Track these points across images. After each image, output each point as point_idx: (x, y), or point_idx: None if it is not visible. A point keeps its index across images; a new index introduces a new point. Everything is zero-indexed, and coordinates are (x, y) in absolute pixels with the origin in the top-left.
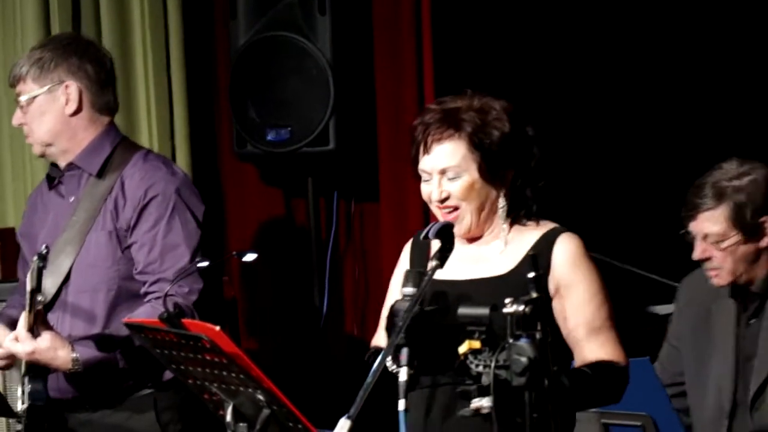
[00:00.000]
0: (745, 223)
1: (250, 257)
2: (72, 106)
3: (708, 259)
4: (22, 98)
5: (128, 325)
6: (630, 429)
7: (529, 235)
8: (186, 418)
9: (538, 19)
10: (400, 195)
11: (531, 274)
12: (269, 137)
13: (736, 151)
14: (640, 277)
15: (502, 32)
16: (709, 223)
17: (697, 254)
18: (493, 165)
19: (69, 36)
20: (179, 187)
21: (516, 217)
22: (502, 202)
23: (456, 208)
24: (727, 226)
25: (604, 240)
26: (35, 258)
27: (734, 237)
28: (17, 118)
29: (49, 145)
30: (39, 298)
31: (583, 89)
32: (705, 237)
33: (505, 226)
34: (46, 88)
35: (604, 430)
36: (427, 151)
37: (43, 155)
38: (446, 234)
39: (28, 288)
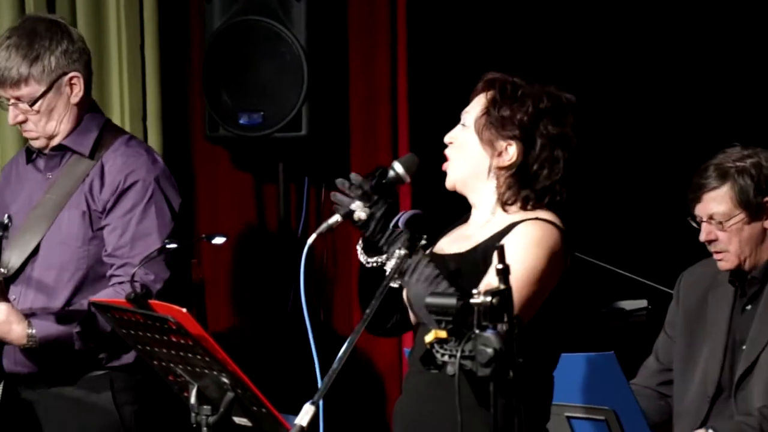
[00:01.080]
0: (749, 203)
1: (218, 240)
2: (79, 95)
3: (713, 241)
4: (29, 100)
5: (95, 305)
6: (593, 423)
7: (504, 220)
8: (142, 400)
9: (514, 7)
10: None
11: (499, 266)
12: (241, 121)
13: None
14: (607, 272)
15: (478, 22)
16: (714, 203)
17: (703, 236)
18: (492, 131)
19: (45, 24)
20: (159, 176)
21: (506, 200)
22: (492, 175)
23: (449, 159)
24: (732, 205)
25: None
26: None
27: (739, 216)
28: (14, 117)
29: (54, 136)
30: (0, 270)
31: (564, 82)
32: (710, 218)
33: (493, 203)
34: (52, 84)
35: (567, 424)
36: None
37: (44, 147)
38: (415, 223)
39: None
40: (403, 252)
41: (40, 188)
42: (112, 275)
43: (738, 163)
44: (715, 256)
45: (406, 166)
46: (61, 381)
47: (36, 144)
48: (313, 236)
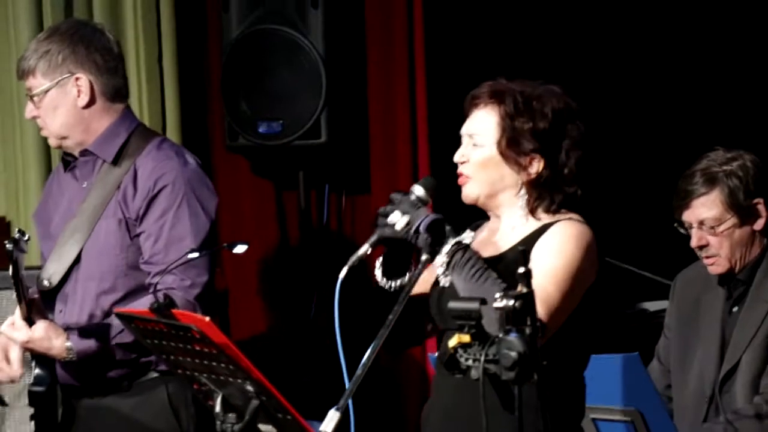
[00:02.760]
0: (739, 206)
1: (240, 249)
2: (84, 99)
3: (704, 246)
4: (33, 93)
5: (118, 315)
6: (619, 424)
7: (533, 225)
8: (198, 401)
9: (532, 14)
10: (391, 188)
11: (521, 270)
12: (261, 130)
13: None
14: (631, 273)
15: (495, 26)
16: (705, 209)
17: (694, 242)
18: (515, 148)
19: (74, 24)
20: (190, 177)
21: (535, 208)
22: (522, 191)
23: (467, 177)
24: (723, 210)
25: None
26: (7, 243)
27: (730, 220)
28: (29, 111)
29: (64, 138)
30: (27, 285)
31: (576, 84)
32: (701, 224)
33: (522, 214)
34: (56, 81)
35: (593, 425)
36: (467, 116)
37: (59, 147)
38: (437, 228)
39: (11, 275)
40: (425, 257)
41: (78, 197)
42: (150, 283)
43: (725, 167)
44: (706, 261)
45: (426, 187)
46: (115, 389)
47: (51, 144)
48: (345, 269)
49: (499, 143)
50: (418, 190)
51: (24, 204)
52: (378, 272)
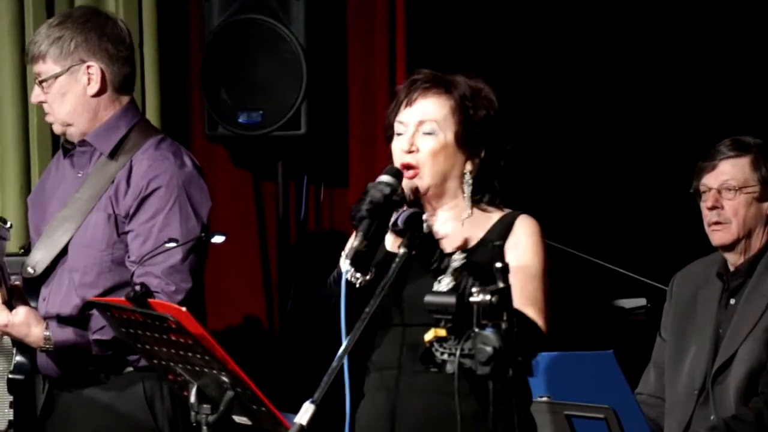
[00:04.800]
0: (765, 179)
1: (218, 239)
2: (95, 87)
3: (718, 209)
4: (43, 78)
5: (94, 303)
6: (593, 421)
7: (486, 219)
8: (173, 396)
9: (513, 6)
10: (370, 180)
11: (498, 264)
12: (241, 120)
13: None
14: (606, 270)
15: (476, 19)
16: (735, 170)
17: (709, 202)
18: (470, 137)
19: (87, 11)
20: (185, 180)
21: (479, 200)
22: (468, 180)
23: (415, 169)
24: (749, 176)
25: (571, 233)
26: None
27: (753, 188)
28: (36, 95)
29: (69, 125)
30: (9, 271)
31: (558, 79)
32: (721, 186)
33: (467, 205)
34: (67, 68)
35: (567, 422)
36: (410, 104)
37: (63, 134)
38: (415, 221)
39: None
40: (403, 251)
41: (72, 186)
42: (134, 283)
43: (759, 145)
44: (714, 228)
45: (392, 174)
46: (92, 382)
47: (55, 130)
48: (348, 263)
49: (456, 132)
50: (385, 179)
51: (1, 193)
52: (345, 264)
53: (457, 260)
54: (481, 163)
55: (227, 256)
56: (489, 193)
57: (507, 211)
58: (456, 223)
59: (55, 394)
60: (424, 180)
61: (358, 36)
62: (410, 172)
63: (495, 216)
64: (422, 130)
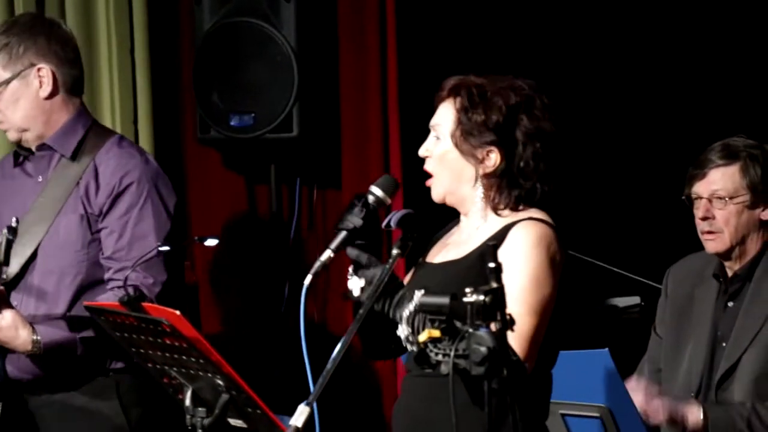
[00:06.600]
0: (756, 188)
1: (211, 242)
2: (47, 89)
3: (709, 219)
4: None
5: (88, 308)
6: (588, 420)
7: (497, 223)
8: (148, 401)
9: (506, 8)
10: (363, 183)
11: (491, 264)
12: (233, 123)
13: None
14: (600, 269)
15: (468, 21)
16: (724, 179)
17: (700, 213)
18: (471, 140)
19: (31, 17)
20: (153, 176)
21: (495, 204)
22: (479, 184)
23: (432, 176)
24: (739, 185)
25: (566, 232)
26: (4, 231)
27: (743, 197)
28: None
29: (25, 130)
30: (3, 275)
31: (550, 79)
32: (712, 195)
33: (482, 210)
34: (17, 73)
35: (562, 421)
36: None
37: (18, 141)
38: (408, 222)
39: None
40: (395, 252)
41: (32, 192)
42: (110, 279)
43: (749, 148)
44: (707, 237)
45: (384, 188)
46: (65, 386)
47: (9, 137)
48: (309, 277)
49: (453, 135)
50: (375, 191)
51: None
52: (352, 282)
53: (412, 303)
54: (496, 166)
55: (220, 259)
56: (504, 195)
57: (520, 215)
58: (470, 231)
59: (27, 398)
60: (437, 189)
61: (350, 38)
62: (428, 182)
63: (505, 221)
64: (435, 136)
